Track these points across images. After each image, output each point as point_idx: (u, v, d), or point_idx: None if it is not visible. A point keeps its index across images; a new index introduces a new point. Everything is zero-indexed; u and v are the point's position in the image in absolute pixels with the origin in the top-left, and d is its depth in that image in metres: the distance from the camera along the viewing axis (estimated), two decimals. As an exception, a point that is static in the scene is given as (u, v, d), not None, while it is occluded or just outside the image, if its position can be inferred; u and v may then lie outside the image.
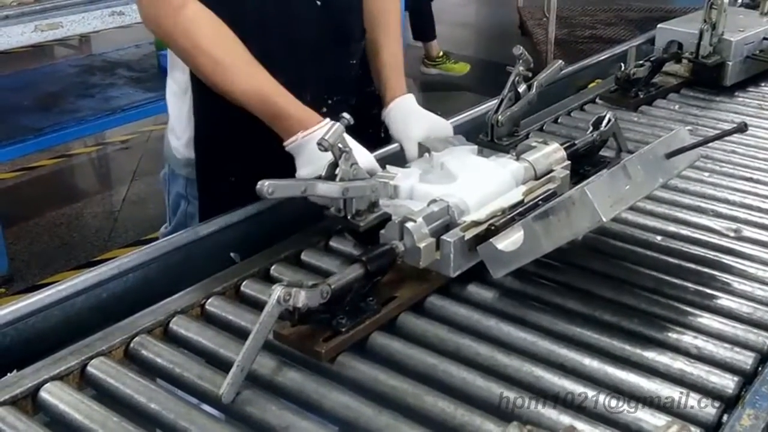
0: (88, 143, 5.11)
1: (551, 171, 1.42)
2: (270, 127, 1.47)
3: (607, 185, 1.15)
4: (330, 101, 1.61)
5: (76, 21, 3.74)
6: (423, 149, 1.52)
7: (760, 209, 1.52)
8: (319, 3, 1.59)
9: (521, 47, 1.56)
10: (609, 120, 1.58)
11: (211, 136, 1.59)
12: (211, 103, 1.52)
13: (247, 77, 1.47)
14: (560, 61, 1.64)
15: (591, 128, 1.58)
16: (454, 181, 1.34)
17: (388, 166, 1.43)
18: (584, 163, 1.53)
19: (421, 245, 1.18)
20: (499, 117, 1.54)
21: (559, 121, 1.99)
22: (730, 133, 1.40)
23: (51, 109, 4.12)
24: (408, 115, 1.64)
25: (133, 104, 4.09)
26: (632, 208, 1.48)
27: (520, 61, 1.55)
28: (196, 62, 1.48)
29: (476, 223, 1.24)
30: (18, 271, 3.70)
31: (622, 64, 2.09)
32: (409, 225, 1.19)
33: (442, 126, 1.61)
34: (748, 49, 2.20)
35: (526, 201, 1.31)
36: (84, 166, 5.11)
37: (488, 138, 1.55)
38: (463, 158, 1.42)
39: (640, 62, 2.09)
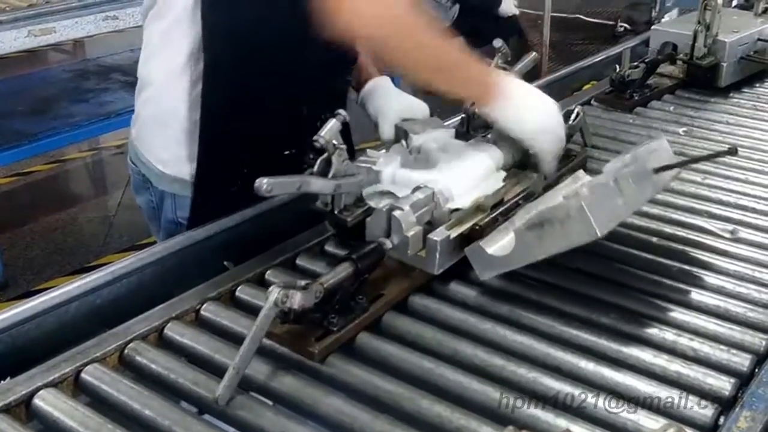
0: (82, 148, 5.09)
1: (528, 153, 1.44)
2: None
3: (603, 201, 1.16)
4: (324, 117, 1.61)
5: (70, 26, 3.73)
6: (400, 132, 1.52)
7: (755, 210, 1.52)
8: None
9: (501, 40, 1.57)
10: (577, 114, 1.61)
11: (216, 153, 1.58)
12: (220, 119, 1.52)
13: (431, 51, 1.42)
14: (534, 53, 1.65)
15: None
16: (435, 166, 1.35)
17: (368, 150, 1.43)
18: None
19: (409, 234, 1.19)
20: (476, 109, 1.55)
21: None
22: (719, 155, 1.43)
23: (45, 114, 4.10)
24: (384, 95, 1.67)
25: (127, 109, 4.06)
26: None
27: (499, 54, 1.57)
28: (417, 56, 1.41)
29: (460, 220, 1.25)
30: (12, 277, 3.69)
31: (617, 66, 2.09)
32: (397, 213, 1.20)
33: (418, 106, 1.63)
34: (742, 50, 2.20)
35: (505, 200, 1.32)
36: (78, 171, 5.09)
37: (464, 129, 1.56)
38: (442, 142, 1.43)
39: (635, 64, 2.09)
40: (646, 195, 1.28)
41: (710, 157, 1.48)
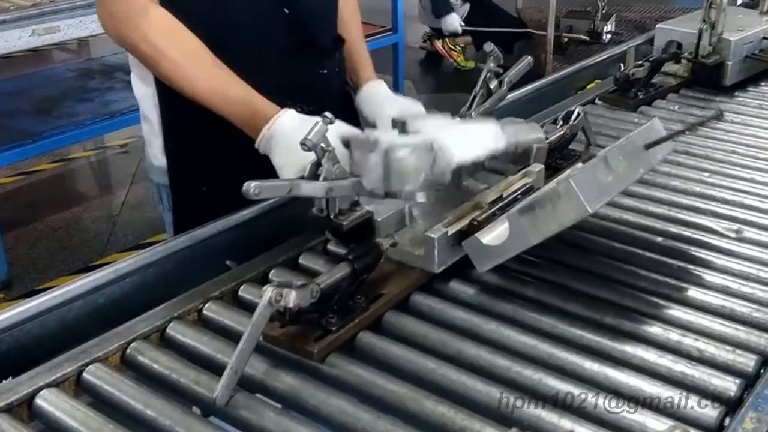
0: (87, 147, 5.11)
1: (530, 148, 1.44)
2: (240, 128, 1.46)
3: (591, 177, 1.16)
4: (298, 111, 1.58)
5: (74, 25, 3.73)
6: (398, 125, 1.50)
7: (760, 209, 1.51)
8: (286, 11, 1.58)
9: (491, 44, 1.56)
10: (578, 114, 1.61)
11: (182, 142, 1.59)
12: (179, 108, 1.51)
13: (211, 79, 1.46)
14: (529, 58, 1.64)
15: (561, 122, 1.61)
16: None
17: (365, 130, 1.42)
18: (556, 156, 1.56)
19: (408, 173, 1.18)
20: (472, 113, 1.55)
21: (558, 122, 1.98)
22: (707, 120, 1.42)
23: (50, 113, 4.11)
24: (381, 97, 1.68)
25: (131, 108, 4.06)
26: (632, 209, 1.48)
27: (491, 57, 1.56)
28: (159, 68, 1.47)
29: (458, 216, 1.24)
30: (17, 276, 3.70)
31: (621, 65, 2.08)
32: (395, 154, 1.19)
33: (414, 106, 1.64)
34: (747, 49, 2.19)
35: (504, 196, 1.31)
36: (83, 171, 5.10)
37: None
38: (441, 122, 1.42)
39: (639, 63, 2.08)
40: (637, 171, 1.28)
41: (698, 125, 1.48)
